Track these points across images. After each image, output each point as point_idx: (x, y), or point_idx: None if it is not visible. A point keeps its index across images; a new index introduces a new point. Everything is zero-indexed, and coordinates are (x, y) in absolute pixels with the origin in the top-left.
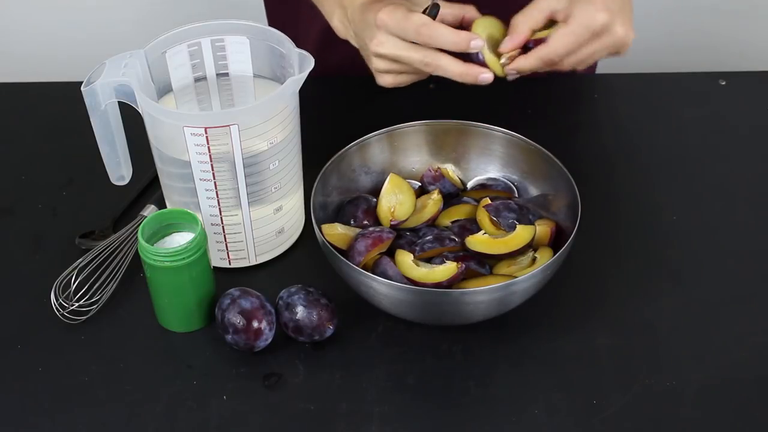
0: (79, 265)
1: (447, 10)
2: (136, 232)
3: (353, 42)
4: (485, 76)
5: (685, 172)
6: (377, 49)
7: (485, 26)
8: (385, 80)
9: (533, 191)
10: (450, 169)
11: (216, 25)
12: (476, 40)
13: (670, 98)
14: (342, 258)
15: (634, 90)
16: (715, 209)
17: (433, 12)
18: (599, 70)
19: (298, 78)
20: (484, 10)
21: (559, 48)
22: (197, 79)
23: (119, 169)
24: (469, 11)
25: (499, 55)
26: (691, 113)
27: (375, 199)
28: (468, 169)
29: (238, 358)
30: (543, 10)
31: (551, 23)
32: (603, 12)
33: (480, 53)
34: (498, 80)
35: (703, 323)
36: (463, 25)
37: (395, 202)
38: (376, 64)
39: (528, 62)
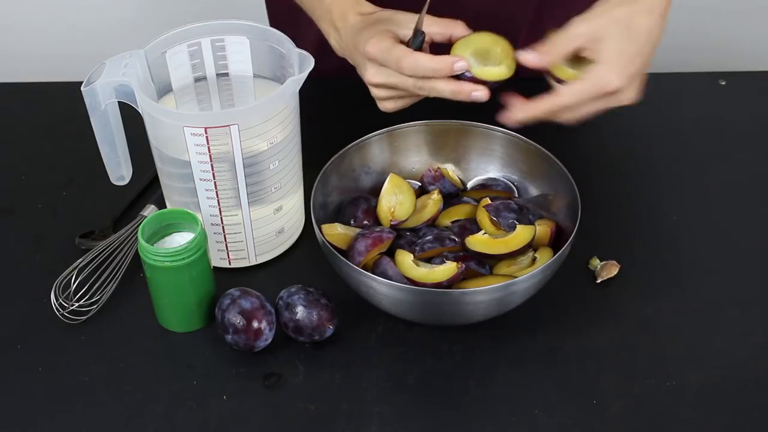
0: (79, 265)
1: (435, 29)
2: (136, 232)
3: (351, 62)
4: (477, 94)
5: (685, 172)
6: (371, 80)
7: (468, 44)
8: (386, 106)
9: (533, 191)
10: (450, 169)
11: (216, 25)
12: (459, 63)
13: (670, 98)
14: (342, 258)
15: None
16: (715, 209)
17: (417, 41)
18: None
19: (298, 78)
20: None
21: (566, 101)
22: (197, 79)
23: (119, 169)
24: (457, 29)
25: (512, 63)
26: (691, 113)
27: (375, 199)
28: (468, 169)
29: (238, 358)
30: (573, 41)
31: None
32: (618, 77)
33: (467, 72)
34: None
35: (703, 323)
36: (451, 43)
37: (395, 202)
38: (374, 93)
39: (534, 111)
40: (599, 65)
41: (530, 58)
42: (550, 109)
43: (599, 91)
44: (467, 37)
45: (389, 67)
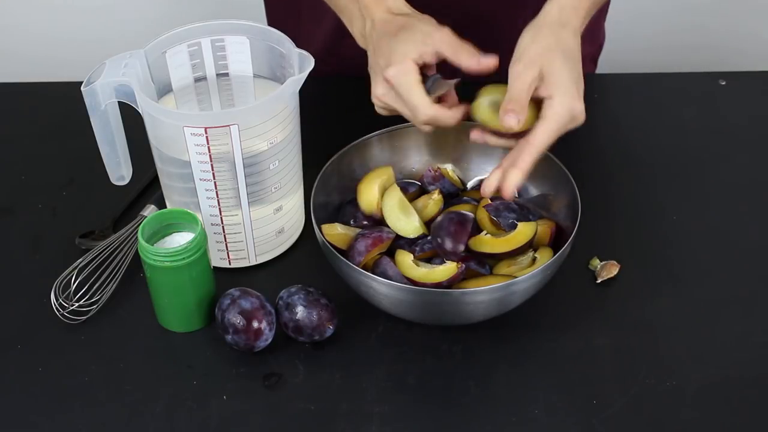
0: (79, 265)
1: (465, 62)
2: (136, 232)
3: (369, 54)
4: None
5: (685, 172)
6: (379, 97)
7: (488, 93)
8: (382, 112)
9: (533, 191)
10: (450, 169)
11: (216, 25)
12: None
13: (670, 98)
14: (342, 258)
15: (634, 90)
16: (715, 209)
17: (429, 81)
18: (599, 70)
19: (298, 78)
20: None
21: (545, 143)
22: (197, 79)
23: (119, 169)
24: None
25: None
26: (691, 113)
27: None
28: (468, 169)
29: (238, 358)
30: (531, 87)
31: None
32: (581, 102)
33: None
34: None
35: (703, 323)
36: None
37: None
38: (375, 102)
39: (522, 172)
40: (560, 98)
41: (513, 123)
42: (537, 157)
43: (572, 120)
44: (489, 87)
45: (400, 101)
